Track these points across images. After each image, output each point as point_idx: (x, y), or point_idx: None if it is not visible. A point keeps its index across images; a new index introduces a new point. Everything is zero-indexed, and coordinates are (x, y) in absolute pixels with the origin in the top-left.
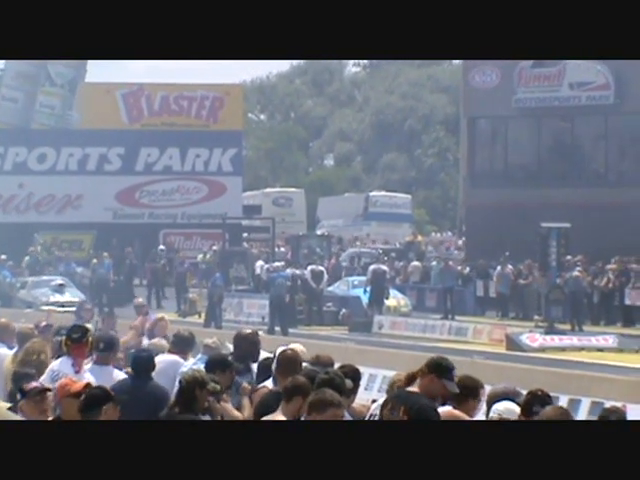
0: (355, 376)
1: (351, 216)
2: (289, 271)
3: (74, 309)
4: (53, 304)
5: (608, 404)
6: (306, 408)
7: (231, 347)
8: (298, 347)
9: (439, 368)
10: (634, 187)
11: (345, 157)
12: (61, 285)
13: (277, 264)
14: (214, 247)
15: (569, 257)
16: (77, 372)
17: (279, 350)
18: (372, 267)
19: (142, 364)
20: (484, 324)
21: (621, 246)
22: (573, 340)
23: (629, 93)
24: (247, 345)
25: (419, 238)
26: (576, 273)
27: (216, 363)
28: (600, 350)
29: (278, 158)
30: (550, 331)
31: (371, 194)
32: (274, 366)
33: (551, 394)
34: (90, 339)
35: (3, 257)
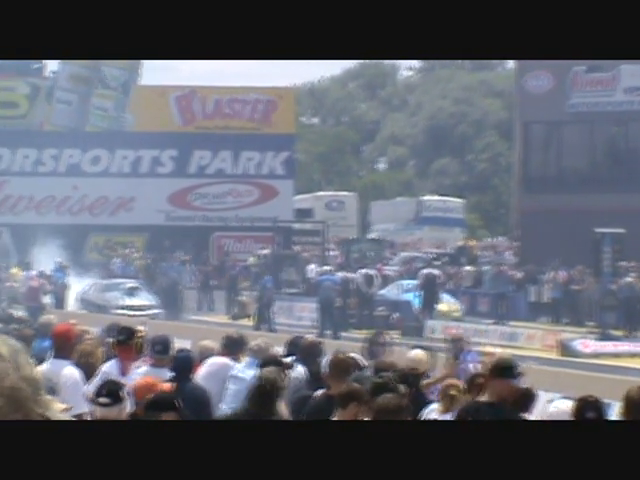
0: (411, 381)
1: (403, 220)
2: (340, 275)
3: (145, 313)
4: (125, 308)
5: None
6: (372, 414)
7: (279, 350)
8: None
9: (503, 370)
10: None
11: (397, 161)
12: (133, 288)
13: (326, 267)
14: (265, 250)
15: (623, 263)
16: (123, 375)
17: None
18: (424, 271)
19: (181, 364)
20: (536, 330)
21: None
22: (627, 346)
23: None
24: (314, 351)
25: (471, 243)
26: (629, 279)
27: (269, 364)
28: None
29: (330, 162)
30: (603, 337)
31: (423, 198)
32: (326, 370)
33: (605, 401)
34: (138, 341)
35: (58, 259)
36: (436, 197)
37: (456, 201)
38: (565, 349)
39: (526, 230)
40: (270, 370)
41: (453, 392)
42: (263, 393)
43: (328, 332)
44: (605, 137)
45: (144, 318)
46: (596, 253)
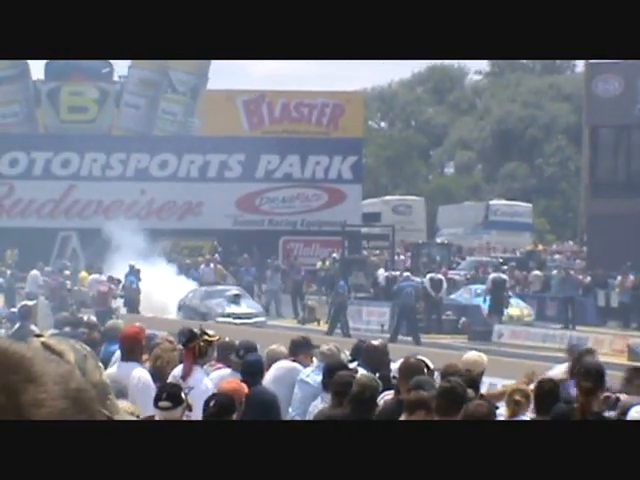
0: (475, 385)
1: (471, 224)
2: (418, 280)
3: (251, 321)
4: (229, 316)
5: None
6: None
7: (347, 354)
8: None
9: None
10: None
11: (465, 165)
12: (237, 295)
13: (406, 273)
14: (334, 254)
15: None
16: (182, 377)
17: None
18: (492, 276)
19: (251, 368)
20: (605, 334)
21: None
22: None
23: None
24: (379, 356)
25: (540, 247)
26: None
27: (334, 369)
28: None
29: (398, 166)
30: None
31: (491, 203)
32: (397, 374)
33: None
34: (200, 344)
35: (132, 262)
36: (504, 201)
37: (524, 205)
38: (634, 354)
39: (594, 234)
40: (366, 375)
41: (518, 397)
42: (362, 400)
43: (403, 337)
44: None
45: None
46: None
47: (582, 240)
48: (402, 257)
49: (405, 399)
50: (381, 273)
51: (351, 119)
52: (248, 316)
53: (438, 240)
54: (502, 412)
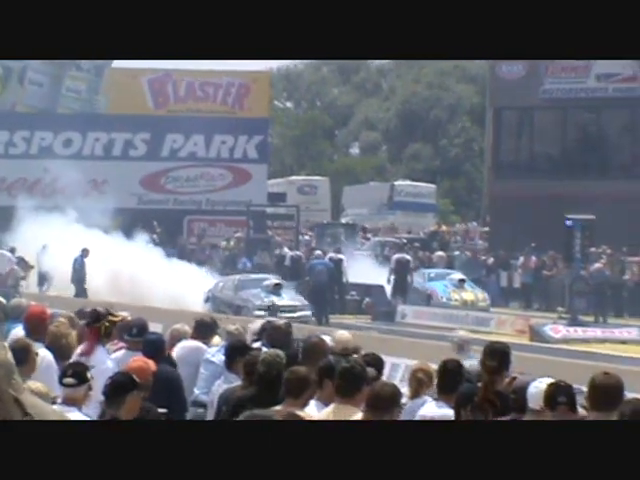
0: (378, 365)
1: (376, 205)
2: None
3: (295, 315)
4: (269, 309)
5: (630, 396)
6: (366, 401)
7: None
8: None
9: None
10: None
11: (371, 146)
12: (277, 285)
13: (318, 252)
14: (238, 234)
15: (593, 249)
16: (83, 355)
17: (306, 338)
18: (396, 256)
19: (152, 347)
20: (508, 315)
21: None
22: (596, 332)
23: None
24: (282, 335)
25: (443, 228)
26: (599, 265)
27: (236, 349)
28: (623, 342)
29: (304, 146)
30: (573, 323)
31: (396, 183)
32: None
33: (574, 386)
34: (105, 324)
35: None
36: (408, 182)
37: (428, 186)
38: (535, 334)
39: (497, 216)
40: (271, 353)
41: (421, 376)
42: (269, 379)
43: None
44: (577, 124)
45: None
46: (567, 239)
47: (485, 221)
48: (307, 237)
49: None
50: (287, 252)
51: (257, 99)
52: (291, 309)
53: (343, 220)
54: (406, 392)
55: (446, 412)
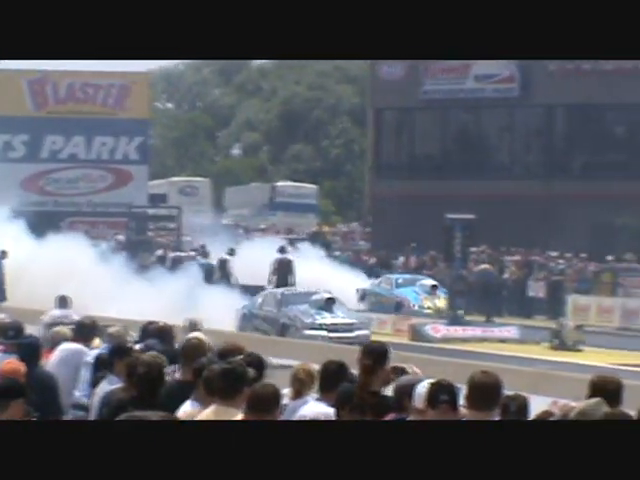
0: (259, 366)
1: (257, 206)
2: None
3: (352, 335)
4: (321, 328)
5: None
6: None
7: (135, 336)
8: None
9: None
10: (538, 179)
11: (252, 147)
12: (330, 300)
13: (192, 253)
14: (119, 236)
15: (473, 249)
16: None
17: (186, 339)
18: (277, 257)
19: (27, 350)
20: (388, 315)
21: (525, 238)
22: (476, 331)
23: (534, 86)
24: (164, 336)
25: (325, 228)
26: (485, 265)
27: (118, 351)
28: (502, 341)
29: (184, 147)
30: (454, 322)
31: (277, 184)
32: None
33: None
34: None
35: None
36: (289, 183)
37: (309, 187)
38: (416, 334)
39: (378, 216)
40: (150, 354)
41: (302, 376)
42: (150, 379)
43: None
44: (457, 124)
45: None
46: (447, 239)
47: (366, 221)
48: (189, 238)
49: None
50: (167, 254)
51: (137, 100)
52: (348, 328)
53: (224, 221)
54: (287, 392)
55: (327, 411)
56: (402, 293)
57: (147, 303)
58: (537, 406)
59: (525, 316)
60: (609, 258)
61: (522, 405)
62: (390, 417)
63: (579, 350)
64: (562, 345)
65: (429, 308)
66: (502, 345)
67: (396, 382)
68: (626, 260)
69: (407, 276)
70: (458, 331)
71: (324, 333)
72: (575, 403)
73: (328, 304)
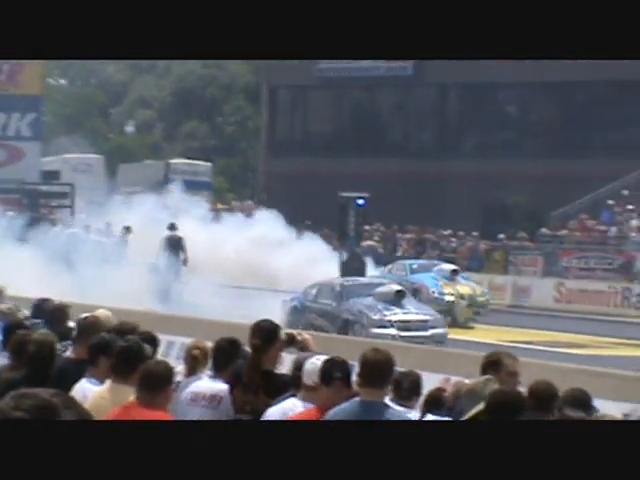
0: (153, 343)
1: (151, 183)
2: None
3: (425, 334)
4: (392, 325)
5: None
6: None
7: (27, 313)
8: (103, 313)
9: None
10: (431, 158)
11: (146, 124)
12: (400, 293)
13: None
14: (10, 212)
15: (367, 227)
16: None
17: (81, 317)
18: (167, 234)
19: None
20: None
21: (418, 216)
22: None
23: (428, 65)
24: (57, 313)
25: (219, 206)
26: (371, 242)
27: (13, 328)
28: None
29: (78, 124)
30: None
31: (171, 161)
32: (74, 333)
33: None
34: None
35: None
36: (184, 160)
37: (204, 164)
38: None
39: (273, 194)
40: (42, 332)
41: (196, 353)
42: (40, 357)
43: None
44: (351, 102)
45: None
46: (341, 217)
47: (261, 199)
48: (83, 215)
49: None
50: (60, 230)
51: (29, 76)
52: (421, 326)
53: (118, 198)
54: (181, 370)
55: (220, 387)
56: (419, 279)
57: (44, 282)
58: (429, 383)
59: None
60: (500, 236)
61: (414, 382)
62: (286, 395)
63: (470, 327)
64: (454, 322)
65: (451, 295)
66: None
67: (293, 359)
68: (517, 239)
69: (422, 261)
70: None
71: (394, 332)
72: (467, 380)
73: (397, 297)
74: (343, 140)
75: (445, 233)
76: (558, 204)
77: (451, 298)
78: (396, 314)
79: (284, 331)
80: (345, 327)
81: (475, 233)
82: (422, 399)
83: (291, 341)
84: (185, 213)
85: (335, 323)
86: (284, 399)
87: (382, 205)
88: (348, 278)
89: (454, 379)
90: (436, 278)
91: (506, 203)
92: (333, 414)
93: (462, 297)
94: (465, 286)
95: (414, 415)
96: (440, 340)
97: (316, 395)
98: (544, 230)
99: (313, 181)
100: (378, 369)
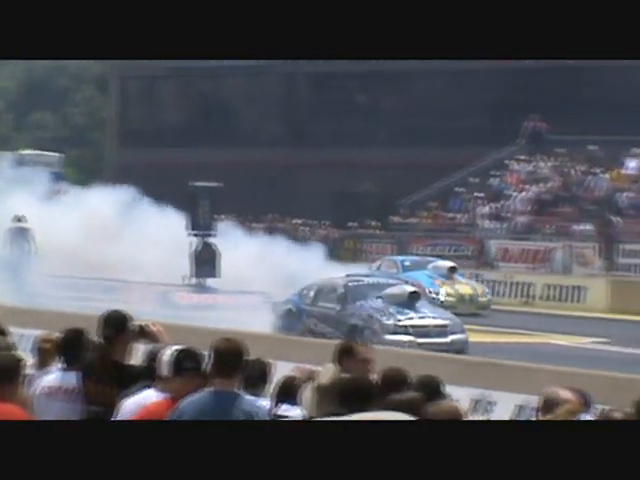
0: (2, 334)
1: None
2: None
3: (447, 341)
4: (406, 332)
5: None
6: None
7: None
8: None
9: None
10: (282, 147)
11: None
12: (414, 295)
13: None
14: None
15: (220, 216)
16: None
17: None
18: (12, 226)
19: None
20: (138, 283)
21: (270, 206)
22: (224, 298)
23: None
24: None
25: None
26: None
27: None
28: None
29: None
30: (200, 289)
31: (22, 152)
32: None
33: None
34: None
35: None
36: (34, 151)
37: (54, 155)
38: (163, 302)
39: (124, 184)
40: None
41: (47, 346)
42: None
43: None
44: (201, 92)
45: None
46: (192, 206)
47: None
48: None
49: None
50: None
51: None
52: (441, 331)
53: None
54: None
55: (70, 381)
56: (413, 277)
57: None
58: (280, 371)
59: None
60: (351, 225)
61: (262, 370)
62: (139, 386)
63: None
64: None
65: (450, 295)
66: (249, 312)
67: (146, 350)
68: (369, 227)
69: (415, 258)
70: (205, 298)
71: (411, 338)
72: (320, 368)
73: (411, 299)
74: (194, 130)
75: (297, 222)
76: (408, 192)
77: (451, 299)
78: (411, 319)
79: (134, 322)
80: (352, 334)
81: (326, 222)
82: (274, 388)
83: (142, 332)
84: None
85: (340, 329)
86: (140, 390)
87: (234, 195)
88: (352, 278)
89: (305, 367)
90: (432, 276)
91: (357, 191)
92: (186, 404)
93: (463, 298)
94: (465, 285)
95: (266, 403)
96: (461, 348)
97: (169, 385)
98: (395, 218)
99: (165, 171)
100: (229, 359)
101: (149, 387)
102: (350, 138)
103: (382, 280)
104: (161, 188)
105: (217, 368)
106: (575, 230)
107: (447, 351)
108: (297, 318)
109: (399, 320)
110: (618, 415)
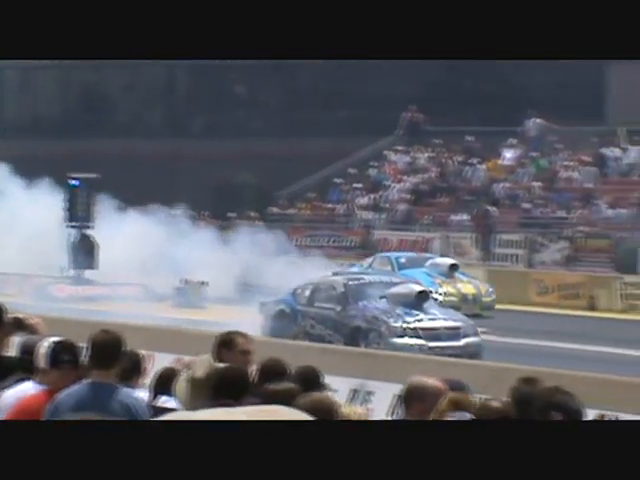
0: None
1: None
2: None
3: (460, 344)
4: (416, 335)
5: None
6: None
7: None
8: None
9: None
10: (161, 139)
11: None
12: (422, 294)
13: None
14: None
15: (99, 207)
16: None
17: None
18: None
19: None
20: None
21: (150, 197)
22: (103, 290)
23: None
24: None
25: None
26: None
27: None
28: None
29: None
30: (78, 282)
31: None
32: None
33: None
34: None
35: None
36: None
37: None
38: (40, 294)
39: None
40: None
41: None
42: None
43: None
44: (80, 83)
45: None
46: (71, 198)
47: None
48: None
49: None
50: None
51: None
52: (453, 334)
53: None
54: None
55: None
56: (410, 276)
57: None
58: (159, 362)
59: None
60: (231, 215)
61: (135, 361)
62: (15, 378)
63: (202, 307)
64: (187, 302)
65: (451, 295)
66: (128, 304)
67: (20, 342)
68: (247, 218)
69: (411, 254)
70: (83, 290)
71: (421, 342)
72: (198, 358)
73: (419, 299)
74: (72, 121)
75: (176, 213)
76: (286, 183)
77: (453, 299)
78: (421, 320)
79: (10, 314)
80: (355, 336)
81: (206, 213)
82: (153, 379)
83: (18, 324)
84: None
85: (341, 331)
86: (19, 382)
87: (113, 186)
88: (352, 276)
89: (186, 358)
90: (431, 275)
91: (235, 182)
92: (63, 396)
93: (465, 298)
94: (468, 284)
95: (144, 395)
96: (475, 352)
97: (47, 378)
98: (273, 209)
99: (42, 163)
100: (107, 350)
101: (27, 379)
102: (228, 129)
103: (385, 278)
104: (38, 180)
105: (94, 360)
106: (452, 220)
107: (460, 355)
108: (291, 319)
109: (407, 322)
110: (496, 404)
